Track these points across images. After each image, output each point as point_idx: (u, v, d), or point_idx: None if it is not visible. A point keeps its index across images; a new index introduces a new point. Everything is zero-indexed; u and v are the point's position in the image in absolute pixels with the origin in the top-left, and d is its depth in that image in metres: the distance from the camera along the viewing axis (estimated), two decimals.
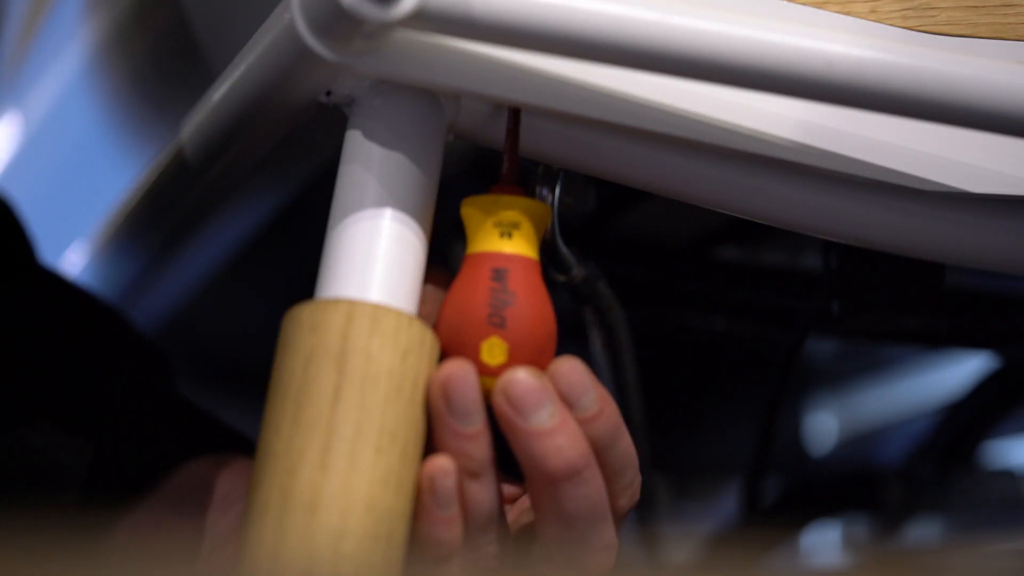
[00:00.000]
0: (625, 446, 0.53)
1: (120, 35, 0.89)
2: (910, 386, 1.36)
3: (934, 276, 0.67)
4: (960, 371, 1.25)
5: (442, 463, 0.50)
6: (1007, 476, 1.17)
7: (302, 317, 0.50)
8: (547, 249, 0.63)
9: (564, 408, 0.51)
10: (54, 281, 0.73)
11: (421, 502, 0.50)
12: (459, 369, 0.50)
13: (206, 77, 0.65)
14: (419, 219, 0.52)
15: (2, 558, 0.39)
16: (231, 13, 0.70)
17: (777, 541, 1.04)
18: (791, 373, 0.93)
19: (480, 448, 0.50)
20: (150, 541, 0.62)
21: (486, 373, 0.51)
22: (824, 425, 1.41)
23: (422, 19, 0.49)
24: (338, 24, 0.49)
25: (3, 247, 0.72)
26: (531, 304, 0.52)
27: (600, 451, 0.52)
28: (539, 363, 0.52)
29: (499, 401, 0.51)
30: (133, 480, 0.63)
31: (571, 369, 0.51)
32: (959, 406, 1.05)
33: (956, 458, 1.06)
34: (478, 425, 0.50)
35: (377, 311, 0.50)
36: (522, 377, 0.51)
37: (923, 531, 1.12)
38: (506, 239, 0.52)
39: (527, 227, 0.53)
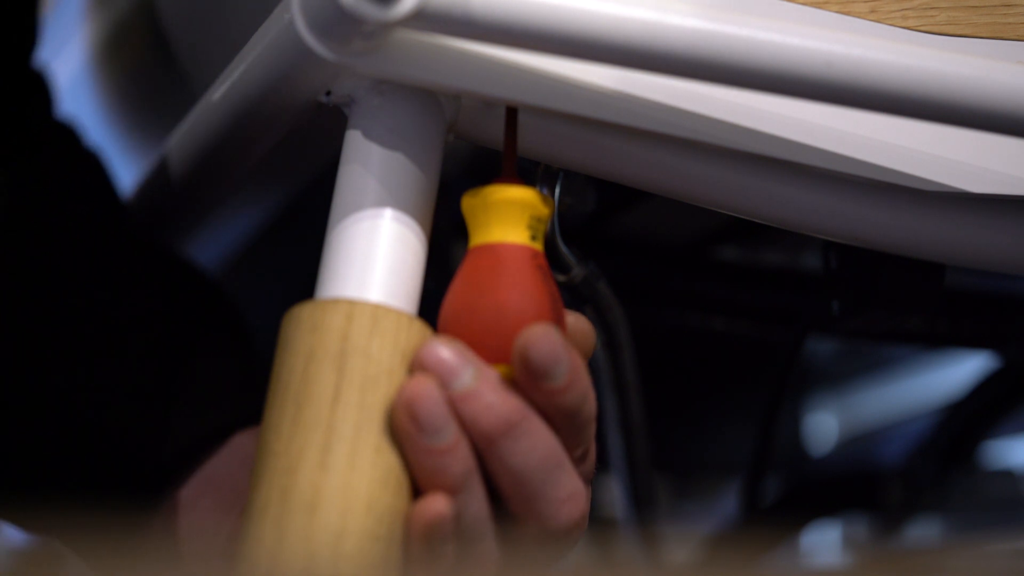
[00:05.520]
0: (589, 410, 0.51)
1: (104, 53, 0.89)
2: (910, 386, 1.36)
3: (934, 276, 0.67)
4: (960, 371, 1.25)
5: (439, 507, 0.49)
6: (1007, 476, 1.17)
7: (302, 317, 0.50)
8: (547, 249, 0.63)
9: (485, 367, 0.50)
10: (152, 250, 0.71)
11: (413, 545, 0.49)
12: (422, 386, 0.49)
13: (188, 97, 0.65)
14: (419, 219, 0.52)
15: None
16: (211, 34, 0.70)
17: (777, 541, 1.04)
18: (791, 373, 0.93)
19: (457, 461, 0.49)
20: (184, 523, 0.62)
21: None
22: (824, 425, 1.41)
23: (422, 19, 0.49)
24: (338, 24, 0.49)
25: (99, 206, 0.70)
26: (544, 292, 0.52)
27: (567, 417, 0.51)
28: None
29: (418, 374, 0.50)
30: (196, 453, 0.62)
31: (542, 337, 0.50)
32: (959, 406, 1.05)
33: (956, 458, 1.06)
34: (451, 438, 0.49)
35: (377, 311, 0.50)
36: (435, 346, 0.50)
37: (923, 531, 1.12)
38: (515, 230, 0.52)
39: (534, 219, 0.52)
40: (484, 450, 0.50)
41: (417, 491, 0.50)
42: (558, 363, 0.50)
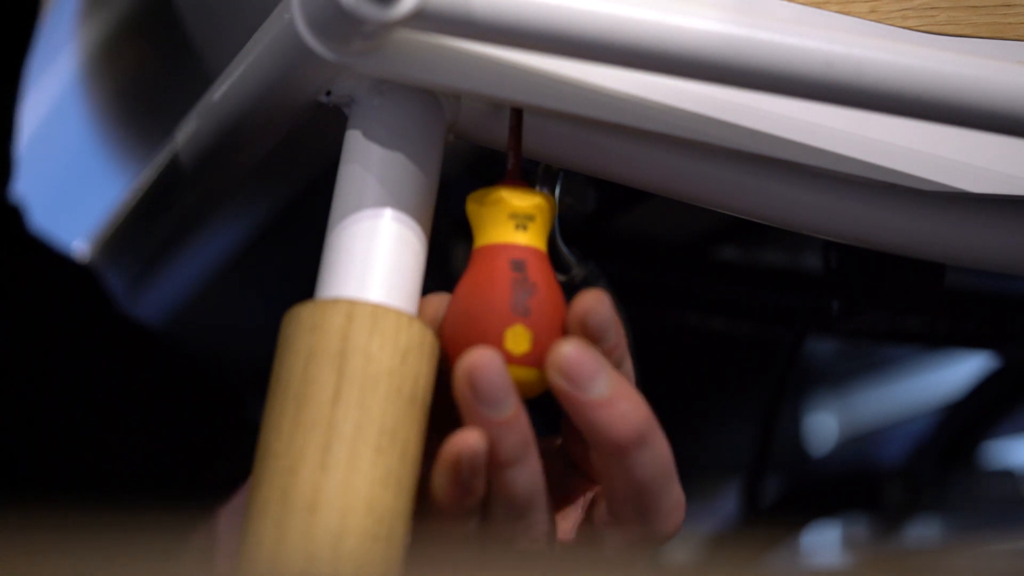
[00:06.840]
0: (629, 365, 0.52)
1: (114, 42, 0.89)
2: (910, 386, 1.36)
3: (934, 276, 0.67)
4: (960, 371, 1.25)
5: (472, 442, 0.49)
6: (1007, 476, 1.17)
7: (302, 317, 0.50)
8: (547, 249, 0.64)
9: (618, 374, 0.50)
10: (137, 332, 0.74)
11: (437, 478, 0.49)
12: (484, 356, 0.49)
13: (203, 84, 0.65)
14: (419, 219, 0.52)
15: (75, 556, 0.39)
16: (228, 19, 0.70)
17: (777, 541, 1.04)
18: (791, 373, 0.93)
19: (514, 434, 0.49)
20: (220, 548, 0.62)
21: (510, 362, 0.51)
22: (824, 425, 1.41)
23: (422, 19, 0.49)
24: (338, 24, 0.49)
25: (86, 302, 0.73)
26: (553, 293, 0.52)
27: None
28: None
29: (554, 378, 0.50)
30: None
31: (599, 303, 0.50)
32: (959, 406, 1.06)
33: (956, 458, 1.06)
34: (510, 411, 0.49)
35: (377, 311, 0.50)
36: (573, 350, 0.50)
37: (923, 531, 1.12)
38: (521, 231, 0.52)
39: (539, 220, 0.53)
40: (610, 458, 0.50)
41: (418, 491, 0.50)
42: (612, 325, 0.51)
